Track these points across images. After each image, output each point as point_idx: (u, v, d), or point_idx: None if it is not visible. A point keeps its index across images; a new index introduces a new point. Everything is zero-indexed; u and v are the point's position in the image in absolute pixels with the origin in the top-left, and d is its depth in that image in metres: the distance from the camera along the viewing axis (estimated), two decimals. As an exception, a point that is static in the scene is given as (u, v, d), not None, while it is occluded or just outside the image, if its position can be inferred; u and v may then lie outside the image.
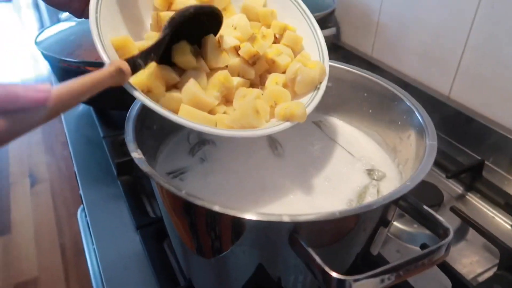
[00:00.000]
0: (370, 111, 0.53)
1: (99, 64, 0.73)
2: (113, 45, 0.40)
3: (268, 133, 0.40)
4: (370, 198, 0.42)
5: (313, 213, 0.30)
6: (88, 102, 0.87)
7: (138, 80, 0.38)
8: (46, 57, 0.79)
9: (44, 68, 2.91)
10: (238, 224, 0.33)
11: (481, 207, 0.69)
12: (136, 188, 0.68)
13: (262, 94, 0.43)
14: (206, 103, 0.39)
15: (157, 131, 0.49)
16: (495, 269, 0.58)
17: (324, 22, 0.92)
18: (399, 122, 0.48)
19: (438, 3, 0.79)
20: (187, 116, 0.38)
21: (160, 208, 0.42)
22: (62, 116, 0.93)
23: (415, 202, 0.33)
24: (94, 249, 0.63)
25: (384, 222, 0.38)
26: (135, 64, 0.36)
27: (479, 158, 0.75)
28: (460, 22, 0.76)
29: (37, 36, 0.86)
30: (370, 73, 0.52)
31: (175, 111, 0.39)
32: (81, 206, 0.90)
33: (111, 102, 0.83)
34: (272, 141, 0.52)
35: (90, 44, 0.79)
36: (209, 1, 0.46)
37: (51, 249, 1.82)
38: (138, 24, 0.45)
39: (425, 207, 0.33)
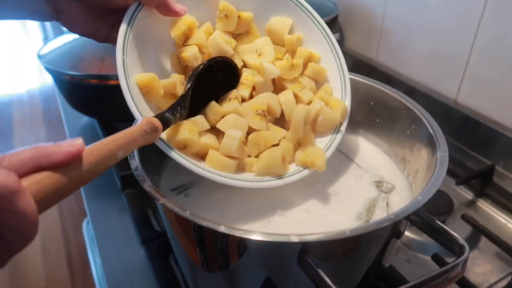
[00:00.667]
0: (378, 120, 0.52)
1: (102, 77, 0.74)
2: (138, 84, 0.40)
3: (288, 182, 0.41)
4: (380, 211, 0.41)
5: (321, 232, 0.29)
6: (92, 114, 0.87)
7: (174, 139, 0.39)
8: (49, 70, 0.79)
9: (49, 79, 2.93)
10: (245, 245, 0.32)
11: (493, 213, 0.68)
12: (140, 201, 0.67)
13: (285, 136, 0.44)
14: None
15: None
16: (509, 278, 0.56)
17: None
18: (408, 132, 0.46)
19: (442, 6, 0.78)
20: (215, 164, 0.40)
21: (165, 225, 0.41)
22: (66, 129, 0.93)
23: (427, 217, 0.32)
24: (99, 262, 0.63)
25: (396, 234, 0.37)
26: (165, 119, 0.36)
27: (489, 163, 0.73)
28: (466, 25, 0.75)
29: (40, 50, 0.86)
30: (377, 82, 0.51)
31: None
32: (86, 218, 0.89)
33: (114, 114, 0.83)
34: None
35: (93, 57, 0.79)
36: (230, 26, 0.45)
37: (58, 260, 1.82)
38: (160, 66, 0.45)
39: (438, 222, 0.32)
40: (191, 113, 0.42)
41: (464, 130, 0.78)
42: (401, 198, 0.43)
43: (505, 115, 0.74)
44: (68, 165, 0.24)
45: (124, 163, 0.73)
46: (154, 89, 0.40)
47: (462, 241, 0.30)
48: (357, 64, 1.00)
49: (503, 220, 0.66)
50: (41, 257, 1.81)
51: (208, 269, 0.39)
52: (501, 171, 0.72)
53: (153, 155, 0.45)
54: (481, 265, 0.59)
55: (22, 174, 0.22)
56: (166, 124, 0.36)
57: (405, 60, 0.90)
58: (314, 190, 0.45)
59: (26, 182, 0.22)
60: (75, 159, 0.25)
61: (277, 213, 0.42)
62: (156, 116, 0.35)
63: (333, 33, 0.91)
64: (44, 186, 0.23)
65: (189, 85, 0.41)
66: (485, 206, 0.69)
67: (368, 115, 0.52)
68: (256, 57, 0.46)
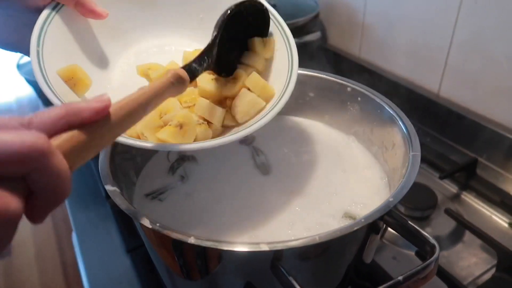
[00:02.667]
0: (354, 117, 0.52)
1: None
2: (60, 76, 0.38)
3: (247, 133, 0.37)
4: (361, 211, 0.41)
5: (292, 239, 0.29)
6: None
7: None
8: (29, 82, 0.78)
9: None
10: (217, 255, 0.32)
11: (477, 206, 0.68)
12: (125, 210, 0.67)
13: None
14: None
15: (136, 153, 0.48)
16: (493, 270, 0.56)
17: (308, 26, 0.91)
18: (383, 131, 0.46)
19: (422, 0, 0.78)
20: (167, 137, 0.37)
21: (141, 236, 0.40)
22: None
23: (400, 218, 0.32)
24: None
25: (374, 231, 0.37)
26: (192, 70, 0.35)
27: (472, 155, 0.74)
28: (445, 18, 0.75)
29: (19, 60, 0.85)
30: (351, 81, 0.51)
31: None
32: (74, 229, 0.89)
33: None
34: (255, 150, 0.51)
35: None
36: None
37: (53, 268, 1.80)
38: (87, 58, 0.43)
39: (410, 223, 0.32)
40: (219, 63, 0.40)
41: (447, 124, 0.79)
42: (382, 194, 0.44)
43: (487, 107, 0.74)
44: (97, 121, 0.24)
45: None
46: (80, 80, 0.38)
47: (432, 240, 0.30)
48: (340, 61, 1.00)
49: (487, 213, 0.67)
50: (36, 266, 1.80)
51: (186, 277, 0.39)
52: (485, 163, 0.73)
53: (128, 163, 0.45)
54: (465, 259, 0.59)
55: (53, 133, 0.23)
56: (193, 75, 0.35)
57: (388, 55, 0.91)
58: (295, 188, 0.45)
59: (57, 141, 0.22)
60: (103, 115, 0.25)
61: (255, 216, 0.42)
62: (183, 67, 0.34)
63: (314, 31, 0.92)
64: (74, 145, 0.23)
65: (216, 33, 0.39)
66: (469, 199, 0.69)
67: (345, 112, 0.52)
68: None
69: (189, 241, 0.29)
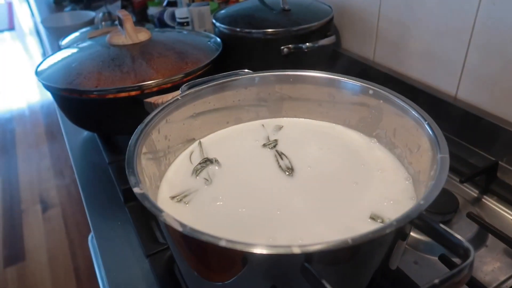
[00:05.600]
0: (376, 120, 0.52)
1: (100, 91, 0.74)
2: None
3: None
4: (387, 212, 0.41)
5: (323, 242, 0.29)
6: (92, 128, 0.87)
7: None
8: (46, 87, 0.79)
9: (49, 94, 2.94)
10: (246, 258, 0.32)
11: (499, 209, 0.67)
12: (144, 214, 0.67)
13: None
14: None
15: (160, 154, 0.48)
16: (518, 276, 0.55)
17: (323, 30, 0.91)
18: (407, 133, 0.46)
19: (437, 3, 0.77)
20: None
21: (167, 238, 0.40)
22: (67, 144, 0.93)
23: (431, 221, 0.32)
24: (104, 276, 0.62)
25: (402, 236, 0.37)
26: None
27: (492, 158, 0.73)
28: (462, 21, 0.74)
29: (38, 66, 0.86)
30: (372, 83, 0.51)
31: None
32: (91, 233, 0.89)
33: (114, 128, 0.82)
34: (278, 154, 0.51)
35: (90, 72, 0.79)
36: None
37: (65, 273, 1.82)
38: None
39: (441, 225, 0.31)
40: None
41: (466, 127, 0.78)
42: (407, 197, 0.43)
43: (505, 110, 0.73)
44: None
45: (126, 176, 0.74)
46: None
47: (466, 243, 0.29)
48: (354, 65, 1.00)
49: (509, 216, 0.65)
50: (49, 271, 1.81)
51: (212, 280, 0.39)
52: (505, 166, 0.72)
53: (154, 165, 0.45)
54: (489, 263, 0.58)
55: None
56: None
57: (403, 59, 0.90)
58: (321, 192, 0.45)
59: None
60: None
61: (283, 221, 0.41)
62: None
63: (329, 35, 0.92)
64: None
65: None
66: (490, 202, 0.68)
67: (367, 115, 0.52)
68: None
69: (220, 244, 0.29)
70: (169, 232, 0.37)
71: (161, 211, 0.33)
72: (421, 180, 0.42)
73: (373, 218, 0.41)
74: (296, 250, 0.29)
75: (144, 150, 0.43)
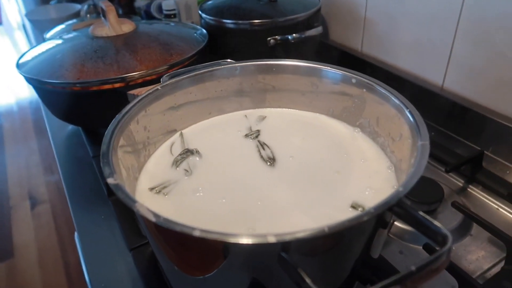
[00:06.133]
0: (359, 109, 0.51)
1: (83, 84, 0.72)
2: None
3: None
4: (369, 201, 0.40)
5: (299, 230, 0.28)
6: (76, 122, 0.86)
7: None
8: (27, 80, 0.77)
9: (37, 88, 2.89)
10: (222, 248, 0.31)
11: (484, 199, 0.67)
12: (127, 207, 0.66)
13: None
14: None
15: (139, 145, 0.47)
16: (502, 263, 0.55)
17: (310, 21, 0.90)
18: (390, 122, 0.46)
19: (424, -7, 0.77)
20: None
21: (144, 231, 0.40)
22: (51, 137, 0.91)
23: (410, 208, 0.31)
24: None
25: (382, 224, 0.36)
26: None
27: (478, 148, 0.73)
28: (449, 10, 0.74)
29: (19, 59, 0.84)
30: (355, 72, 0.50)
31: None
32: (76, 228, 0.88)
33: (98, 121, 0.81)
34: (260, 144, 0.50)
35: (72, 64, 0.78)
36: None
37: (55, 270, 1.80)
38: None
39: (420, 213, 0.31)
40: None
41: (452, 117, 0.78)
42: (388, 186, 0.43)
43: (492, 100, 0.73)
44: None
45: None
46: None
47: (444, 230, 0.29)
48: (342, 56, 0.99)
49: (494, 206, 0.66)
50: (39, 267, 1.79)
51: (190, 274, 0.38)
52: (491, 156, 0.72)
53: (132, 156, 0.44)
54: (473, 252, 0.58)
55: None
56: None
57: (390, 49, 0.90)
58: (302, 182, 0.44)
59: None
60: None
61: (265, 211, 0.41)
62: None
63: (316, 26, 0.91)
64: None
65: None
66: (476, 192, 0.68)
67: (349, 104, 0.52)
68: None
69: (193, 234, 0.29)
70: (145, 224, 0.36)
71: (134, 201, 0.32)
72: (403, 169, 0.42)
73: (354, 207, 0.40)
74: (272, 239, 0.28)
75: (121, 141, 0.42)
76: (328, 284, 0.39)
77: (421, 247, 0.57)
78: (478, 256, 0.58)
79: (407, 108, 0.42)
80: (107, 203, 0.69)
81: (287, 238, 0.28)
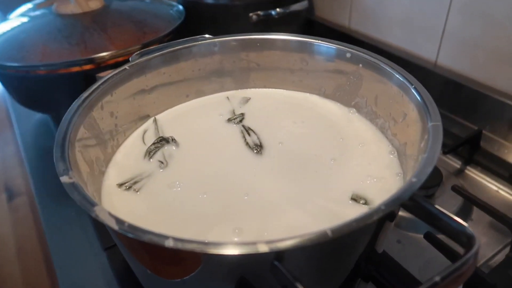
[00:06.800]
0: (355, 87, 0.46)
1: (48, 66, 0.65)
2: None
3: None
4: (371, 191, 0.36)
5: (296, 236, 0.23)
6: (43, 109, 0.79)
7: None
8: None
9: None
10: (204, 258, 0.26)
11: (483, 180, 0.63)
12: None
13: None
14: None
15: (106, 134, 0.41)
16: (507, 250, 0.52)
17: (294, -5, 0.84)
18: (391, 101, 0.40)
19: (416, -38, 0.71)
20: None
21: (112, 237, 0.34)
22: (17, 130, 0.84)
23: (425, 202, 0.26)
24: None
25: (390, 218, 0.32)
26: None
27: (475, 127, 0.69)
28: (442, -19, 0.69)
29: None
30: (350, 45, 0.45)
31: None
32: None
33: (68, 108, 0.74)
34: (245, 130, 0.45)
35: (33, 44, 0.70)
36: None
37: (35, 264, 1.73)
38: None
39: (438, 207, 0.26)
40: None
41: (446, 95, 0.74)
42: (391, 174, 0.38)
43: (488, 75, 0.69)
44: None
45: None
46: None
47: (470, 230, 0.24)
48: (329, 33, 0.94)
49: (494, 188, 0.62)
50: (18, 262, 1.72)
51: (167, 278, 0.33)
52: (488, 135, 0.68)
53: (92, 149, 0.38)
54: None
55: None
56: None
57: (380, 24, 0.84)
58: (293, 171, 0.39)
59: None
60: None
61: (252, 207, 0.35)
62: None
63: (301, 0, 0.85)
64: None
65: None
66: (474, 174, 0.64)
67: (343, 83, 0.46)
68: None
69: (166, 245, 0.23)
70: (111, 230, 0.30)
71: (92, 204, 0.26)
72: (408, 154, 0.37)
73: (355, 199, 0.35)
74: (263, 248, 0.23)
75: (82, 131, 0.36)
76: (328, 286, 0.34)
77: (421, 236, 0.52)
78: (480, 242, 0.54)
79: (412, 85, 0.37)
80: (78, 198, 0.63)
81: (282, 246, 0.23)
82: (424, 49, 0.78)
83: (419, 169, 0.27)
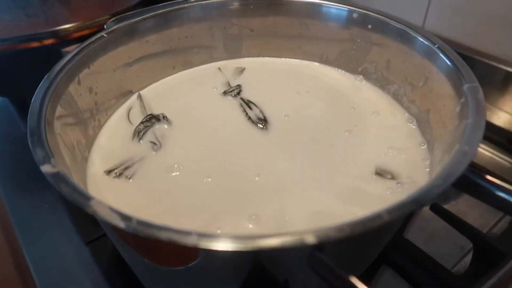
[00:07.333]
0: (362, 52, 0.42)
1: (2, 41, 0.58)
2: None
3: None
4: (395, 164, 0.32)
5: (347, 222, 0.19)
6: (2, 92, 0.71)
7: None
8: None
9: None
10: (230, 255, 0.21)
11: (479, 148, 0.62)
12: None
13: None
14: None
15: (85, 114, 0.35)
16: (509, 217, 0.51)
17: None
18: (407, 64, 0.37)
19: None
20: None
21: (104, 228, 0.29)
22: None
23: (478, 173, 0.23)
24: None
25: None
26: None
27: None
28: None
29: None
30: (357, 4, 0.40)
31: None
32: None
33: (30, 89, 0.67)
34: (244, 103, 0.40)
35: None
36: None
37: (2, 260, 1.63)
38: None
39: (491, 178, 0.23)
40: None
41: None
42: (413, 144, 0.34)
43: (478, 40, 0.67)
44: None
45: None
46: None
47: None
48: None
49: (487, 153, 0.61)
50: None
51: (171, 266, 0.28)
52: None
53: (72, 132, 0.32)
54: (476, 207, 0.53)
55: None
56: None
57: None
58: (305, 147, 0.35)
59: None
60: None
61: (263, 184, 0.31)
62: None
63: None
64: None
65: None
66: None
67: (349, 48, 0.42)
68: None
69: (189, 243, 0.19)
70: (107, 226, 0.25)
71: (87, 197, 0.21)
72: (433, 120, 0.33)
73: (380, 173, 0.32)
74: (310, 239, 0.19)
75: (59, 109, 0.30)
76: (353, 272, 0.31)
77: (428, 208, 0.51)
78: (481, 210, 0.53)
79: (434, 44, 0.33)
80: (50, 188, 0.56)
81: (333, 235, 0.19)
82: (410, 14, 0.75)
83: (467, 135, 0.24)
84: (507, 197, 0.23)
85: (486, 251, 0.43)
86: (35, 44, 0.58)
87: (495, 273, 0.26)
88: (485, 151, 0.61)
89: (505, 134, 0.61)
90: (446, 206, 0.47)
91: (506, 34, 0.63)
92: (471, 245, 0.41)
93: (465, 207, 0.53)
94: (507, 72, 0.63)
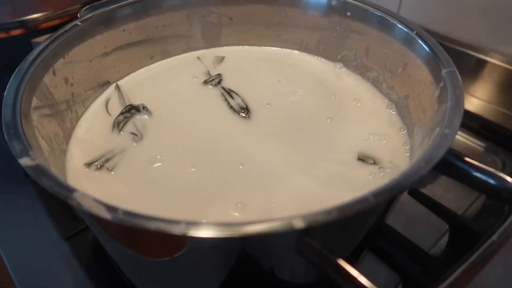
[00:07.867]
0: (341, 39, 0.42)
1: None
2: None
3: None
4: (377, 150, 0.33)
5: (334, 206, 0.19)
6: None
7: None
8: None
9: None
10: (217, 242, 0.21)
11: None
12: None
13: None
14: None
15: (62, 105, 0.34)
16: (483, 198, 0.52)
17: None
18: (386, 51, 0.37)
19: None
20: None
21: (86, 221, 0.28)
22: None
23: (457, 155, 0.24)
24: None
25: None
26: None
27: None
28: None
29: None
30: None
31: None
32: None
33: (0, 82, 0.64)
34: (226, 92, 0.40)
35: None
36: None
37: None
38: None
39: (470, 160, 0.23)
40: None
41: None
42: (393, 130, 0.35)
43: (451, 27, 0.69)
44: None
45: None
46: None
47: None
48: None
49: (461, 138, 0.63)
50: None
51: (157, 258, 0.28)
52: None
53: (49, 123, 0.31)
54: (451, 190, 0.55)
55: None
56: None
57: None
58: (287, 135, 0.35)
59: None
60: None
61: (247, 172, 0.31)
62: None
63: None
64: None
65: None
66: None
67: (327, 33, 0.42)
68: None
69: (177, 232, 0.18)
70: (90, 218, 0.25)
71: (70, 190, 0.20)
72: (412, 106, 0.34)
73: (362, 159, 0.32)
74: (299, 224, 0.19)
75: (34, 100, 0.29)
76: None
77: (405, 193, 0.52)
78: (456, 193, 0.54)
79: (412, 30, 0.34)
80: (25, 183, 0.55)
81: (321, 219, 0.19)
82: (385, 2, 0.75)
83: (447, 119, 0.25)
84: (484, 177, 0.23)
85: (462, 232, 0.45)
86: (2, 35, 0.56)
87: (471, 254, 0.27)
88: (459, 136, 0.62)
89: (478, 119, 0.63)
90: (423, 190, 0.48)
91: (477, 21, 0.65)
92: (447, 227, 0.42)
93: (441, 190, 0.54)
94: (479, 58, 0.65)
